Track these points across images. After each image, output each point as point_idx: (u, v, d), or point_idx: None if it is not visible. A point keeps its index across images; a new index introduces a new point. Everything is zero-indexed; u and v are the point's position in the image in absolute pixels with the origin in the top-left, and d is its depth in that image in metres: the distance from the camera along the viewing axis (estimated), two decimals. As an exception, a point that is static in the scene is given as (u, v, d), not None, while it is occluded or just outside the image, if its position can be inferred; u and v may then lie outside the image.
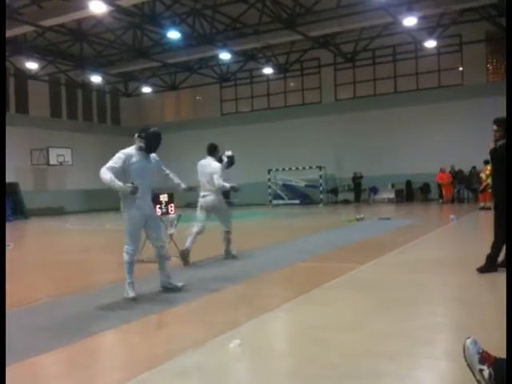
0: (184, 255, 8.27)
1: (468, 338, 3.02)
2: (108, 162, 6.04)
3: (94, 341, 4.41)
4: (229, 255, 8.84)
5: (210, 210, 8.55)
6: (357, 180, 28.00)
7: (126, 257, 6.03)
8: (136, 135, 6.14)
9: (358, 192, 28.10)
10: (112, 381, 3.47)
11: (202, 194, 8.55)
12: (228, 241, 8.83)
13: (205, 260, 8.72)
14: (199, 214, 8.54)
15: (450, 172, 24.88)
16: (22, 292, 6.71)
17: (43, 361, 3.97)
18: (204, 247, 10.44)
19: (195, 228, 8.47)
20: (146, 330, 4.80)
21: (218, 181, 8.30)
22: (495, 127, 6.40)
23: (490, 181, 13.26)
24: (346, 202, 28.78)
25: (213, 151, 8.67)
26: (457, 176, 24.94)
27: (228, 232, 8.79)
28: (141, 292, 6.09)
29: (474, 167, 23.89)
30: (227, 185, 8.43)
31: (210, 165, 8.49)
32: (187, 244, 8.35)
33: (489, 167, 15.71)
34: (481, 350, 2.94)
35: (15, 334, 4.47)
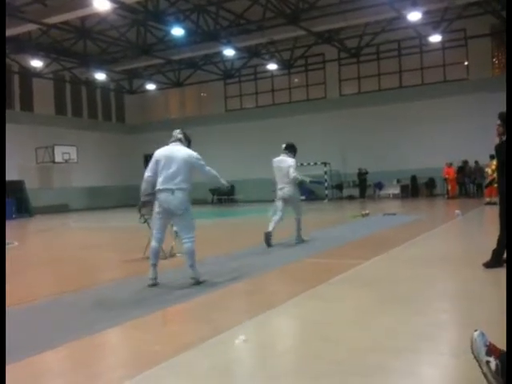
0: (267, 238, 9.50)
1: (475, 330, 3.01)
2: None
3: (98, 338, 4.40)
4: (300, 239, 9.98)
5: (286, 200, 9.82)
6: (362, 176, 27.93)
7: (193, 245, 6.35)
8: (182, 135, 6.54)
9: (363, 188, 28.02)
10: (115, 378, 3.47)
11: (279, 186, 9.81)
12: (298, 227, 9.94)
13: (210, 257, 8.70)
14: (278, 204, 9.87)
15: (460, 166, 24.71)
16: (24, 289, 6.72)
17: (45, 358, 3.97)
18: (209, 243, 10.44)
19: (276, 216, 9.74)
20: (149, 326, 4.79)
21: (294, 173, 9.56)
22: (499, 122, 6.37)
23: (495, 175, 13.17)
24: (351, 197, 28.73)
25: (289, 149, 9.88)
26: (461, 171, 24.81)
27: (299, 219, 9.94)
28: (144, 289, 6.09)
29: (476, 162, 23.82)
30: (299, 177, 9.82)
31: (285, 160, 9.72)
32: (269, 228, 9.59)
33: (494, 162, 15.59)
34: (488, 343, 2.92)
35: (17, 332, 4.47)
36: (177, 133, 6.56)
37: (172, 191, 6.17)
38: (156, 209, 6.35)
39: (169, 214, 6.32)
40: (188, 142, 6.62)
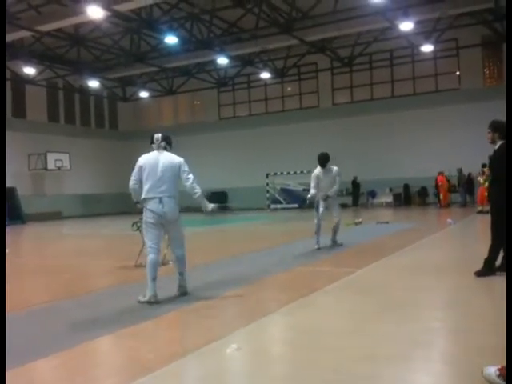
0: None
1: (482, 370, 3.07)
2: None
3: (91, 346, 4.40)
4: (335, 243, 10.54)
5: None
6: (356, 184, 27.98)
7: (185, 253, 6.28)
8: (164, 142, 6.29)
9: (356, 196, 28.09)
10: (109, 386, 3.46)
11: None
12: (335, 231, 10.53)
13: (201, 265, 8.70)
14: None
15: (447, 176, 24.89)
16: (18, 297, 6.69)
17: (40, 366, 3.96)
18: (201, 251, 10.44)
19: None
20: (143, 334, 4.78)
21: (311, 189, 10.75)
22: (488, 130, 6.51)
23: (486, 184, 13.28)
24: (343, 206, 28.75)
25: (321, 161, 11.06)
26: (450, 180, 25.02)
27: (337, 222, 10.54)
28: (137, 297, 6.08)
29: (469, 174, 23.98)
30: (312, 191, 10.82)
31: None
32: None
33: (485, 170, 15.74)
34: (498, 367, 2.98)
35: (12, 339, 4.44)
36: (159, 141, 6.24)
37: (160, 199, 5.92)
38: (148, 219, 5.99)
39: (162, 222, 6.01)
40: (170, 145, 6.33)
